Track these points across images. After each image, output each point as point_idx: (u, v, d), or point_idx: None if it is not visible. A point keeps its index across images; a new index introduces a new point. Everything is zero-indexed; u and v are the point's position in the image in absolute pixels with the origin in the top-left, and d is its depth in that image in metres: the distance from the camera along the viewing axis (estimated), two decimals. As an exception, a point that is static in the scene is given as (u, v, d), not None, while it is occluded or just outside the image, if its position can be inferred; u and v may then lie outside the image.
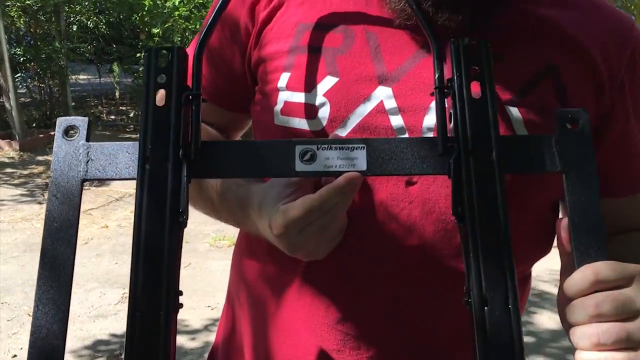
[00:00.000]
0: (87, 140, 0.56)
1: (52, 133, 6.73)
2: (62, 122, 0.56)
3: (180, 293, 0.51)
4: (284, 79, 0.67)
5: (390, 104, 0.64)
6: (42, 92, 8.36)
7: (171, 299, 0.50)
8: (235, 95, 0.78)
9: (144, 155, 0.53)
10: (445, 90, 0.55)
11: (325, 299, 0.68)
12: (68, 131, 0.56)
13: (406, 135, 0.63)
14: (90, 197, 5.04)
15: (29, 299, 3.17)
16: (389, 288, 0.66)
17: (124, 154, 0.56)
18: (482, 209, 0.51)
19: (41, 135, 7.30)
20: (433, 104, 0.62)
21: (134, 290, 0.50)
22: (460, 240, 0.51)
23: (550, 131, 0.55)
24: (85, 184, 0.55)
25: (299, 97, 0.66)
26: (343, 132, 0.64)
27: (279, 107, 0.68)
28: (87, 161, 0.56)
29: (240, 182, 0.70)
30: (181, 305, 0.51)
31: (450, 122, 0.54)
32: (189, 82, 0.56)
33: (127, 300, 0.50)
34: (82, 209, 0.55)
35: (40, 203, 4.90)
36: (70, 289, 0.51)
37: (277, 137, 0.68)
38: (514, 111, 0.63)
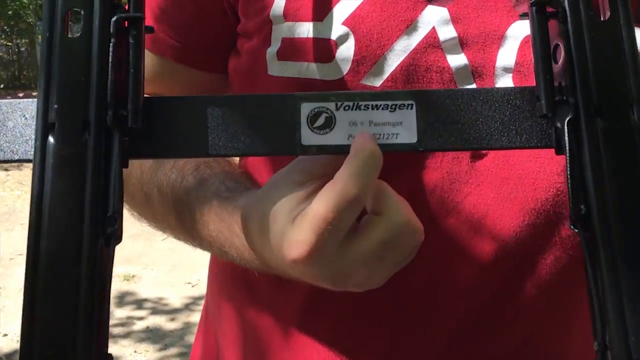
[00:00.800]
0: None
1: (21, 94, 6.46)
2: None
3: (110, 357, 0.30)
4: (279, 2, 0.45)
5: (447, 32, 0.42)
6: (10, 51, 8.11)
7: (92, 372, 0.29)
8: (207, 43, 0.52)
9: (46, 121, 0.32)
10: (548, 10, 0.33)
11: (350, 335, 0.47)
12: None
13: (473, 85, 0.42)
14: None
15: (-7, 275, 2.95)
16: (446, 318, 0.45)
17: (18, 120, 0.34)
18: (622, 207, 0.31)
19: (9, 97, 7.03)
20: (511, 31, 0.41)
21: (26, 355, 0.29)
22: (585, 260, 0.31)
23: None
24: None
25: (306, 29, 0.44)
26: (376, 82, 0.43)
27: (274, 48, 0.45)
28: (-41, 131, 0.34)
29: (222, 193, 0.45)
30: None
31: (557, 62, 0.33)
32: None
33: None
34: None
35: (6, 170, 4.65)
36: None
37: None
38: None
